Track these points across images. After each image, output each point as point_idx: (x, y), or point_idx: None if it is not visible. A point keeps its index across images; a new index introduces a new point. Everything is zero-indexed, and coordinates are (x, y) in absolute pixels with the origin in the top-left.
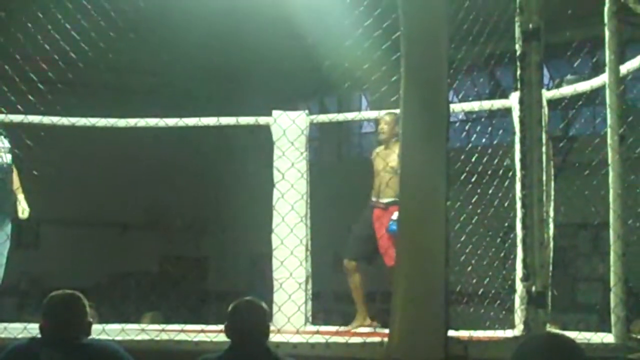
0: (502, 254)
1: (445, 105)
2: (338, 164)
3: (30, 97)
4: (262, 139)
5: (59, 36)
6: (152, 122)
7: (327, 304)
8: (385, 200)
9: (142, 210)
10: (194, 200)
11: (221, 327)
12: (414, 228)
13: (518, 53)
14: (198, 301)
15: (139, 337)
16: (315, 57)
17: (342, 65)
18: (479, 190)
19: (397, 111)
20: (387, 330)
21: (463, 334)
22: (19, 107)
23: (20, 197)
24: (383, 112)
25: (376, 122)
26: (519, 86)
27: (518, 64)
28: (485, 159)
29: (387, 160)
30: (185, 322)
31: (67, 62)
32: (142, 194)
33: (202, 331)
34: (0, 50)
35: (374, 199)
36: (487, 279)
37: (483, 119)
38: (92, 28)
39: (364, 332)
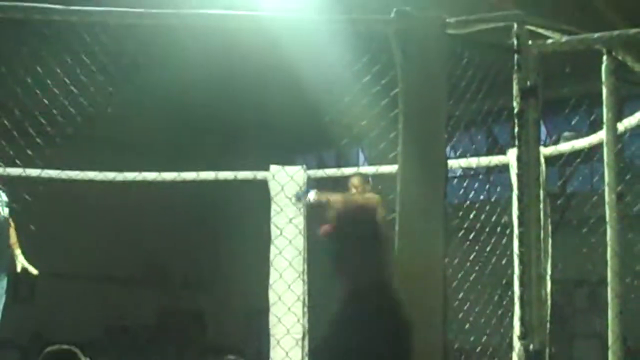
0: (500, 311)
1: (443, 161)
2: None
3: (28, 151)
4: (261, 193)
5: (57, 91)
6: (150, 176)
7: None
8: None
9: (141, 265)
10: (193, 256)
11: None
12: (411, 284)
13: (516, 110)
14: (196, 355)
15: None
16: (313, 111)
17: (340, 120)
18: (477, 247)
19: (362, 171)
20: None
21: None
22: (17, 161)
23: (17, 252)
24: (350, 172)
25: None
26: (516, 143)
27: (516, 121)
28: (483, 215)
29: None
30: None
31: (66, 117)
32: (141, 249)
33: None
34: None
35: None
36: (485, 336)
37: (481, 175)
38: (91, 83)
39: None
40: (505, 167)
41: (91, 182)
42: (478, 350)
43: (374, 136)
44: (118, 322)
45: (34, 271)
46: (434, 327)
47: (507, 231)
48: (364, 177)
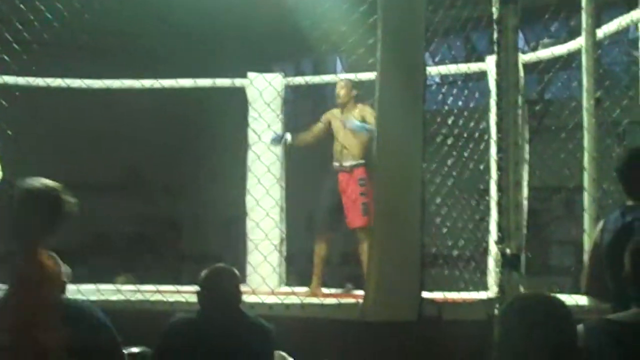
0: (477, 217)
1: (421, 68)
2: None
3: (5, 57)
4: (238, 100)
5: None
6: (128, 83)
7: (301, 265)
8: (348, 164)
9: (119, 173)
10: (171, 164)
11: (196, 287)
12: (390, 190)
13: (495, 17)
14: (173, 262)
15: (114, 298)
16: (291, 19)
17: (318, 27)
18: (454, 153)
19: (352, 76)
20: (361, 292)
21: (437, 295)
22: None
23: None
24: (341, 76)
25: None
26: (495, 50)
27: (495, 27)
28: (461, 121)
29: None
30: (161, 283)
31: (43, 22)
32: (119, 157)
33: (178, 291)
34: None
35: (336, 163)
36: (462, 242)
37: (459, 82)
38: None
39: (338, 294)
40: (483, 74)
41: (69, 89)
42: (455, 254)
43: (352, 43)
44: (96, 230)
45: None
46: (411, 232)
47: (485, 137)
48: (352, 81)
